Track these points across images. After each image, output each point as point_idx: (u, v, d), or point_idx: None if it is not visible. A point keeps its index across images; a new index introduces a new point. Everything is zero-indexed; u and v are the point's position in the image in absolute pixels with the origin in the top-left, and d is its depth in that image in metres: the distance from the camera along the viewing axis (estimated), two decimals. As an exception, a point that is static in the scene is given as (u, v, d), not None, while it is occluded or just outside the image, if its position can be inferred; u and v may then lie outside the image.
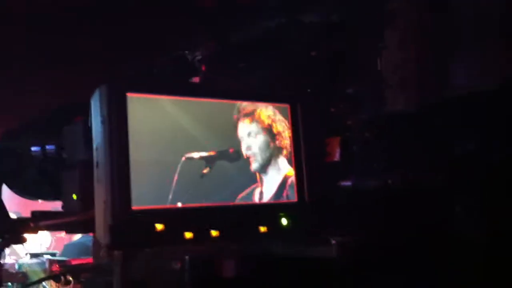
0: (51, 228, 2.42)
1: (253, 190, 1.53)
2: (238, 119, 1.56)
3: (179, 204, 1.44)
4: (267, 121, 1.58)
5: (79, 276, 5.64)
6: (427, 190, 1.54)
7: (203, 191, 1.49)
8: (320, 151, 1.71)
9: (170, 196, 1.43)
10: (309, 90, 1.71)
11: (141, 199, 1.41)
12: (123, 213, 1.38)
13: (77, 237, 6.03)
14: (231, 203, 1.49)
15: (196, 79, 2.08)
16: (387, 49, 1.56)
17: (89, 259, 5.58)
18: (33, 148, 2.58)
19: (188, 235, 1.42)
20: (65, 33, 2.81)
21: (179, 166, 1.45)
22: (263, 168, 1.56)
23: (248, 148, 1.55)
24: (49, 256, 6.15)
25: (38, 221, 2.29)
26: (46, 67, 3.22)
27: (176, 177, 1.45)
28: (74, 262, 6.05)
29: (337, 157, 1.68)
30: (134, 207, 1.39)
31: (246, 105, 1.58)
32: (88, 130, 1.77)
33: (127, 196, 1.40)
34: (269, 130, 1.58)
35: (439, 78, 1.50)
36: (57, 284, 6.19)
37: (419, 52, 1.52)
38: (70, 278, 6.23)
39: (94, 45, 2.60)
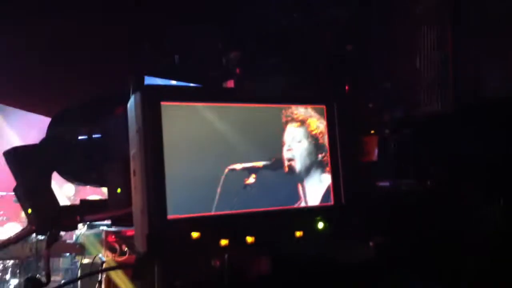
0: (97, 220, 2.52)
1: (294, 198, 1.53)
2: (285, 124, 1.54)
3: (213, 212, 1.45)
4: (314, 125, 1.56)
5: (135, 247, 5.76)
6: (463, 192, 1.51)
7: (245, 201, 1.49)
8: (357, 151, 1.69)
9: (213, 207, 1.44)
10: (344, 88, 1.68)
11: (177, 208, 1.43)
12: (159, 222, 1.41)
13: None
14: (265, 209, 1.50)
15: (229, 83, 2.07)
16: (424, 47, 1.51)
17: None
18: (80, 137, 2.65)
19: (224, 242, 1.43)
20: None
21: (222, 177, 1.46)
22: (305, 175, 1.54)
23: (293, 153, 1.53)
24: (105, 227, 6.38)
25: (84, 213, 2.37)
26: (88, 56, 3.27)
27: (219, 189, 1.45)
28: (129, 233, 6.26)
29: (375, 156, 1.66)
30: (170, 216, 1.42)
31: (293, 109, 1.56)
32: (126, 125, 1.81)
33: (163, 206, 1.42)
34: (315, 135, 1.56)
35: (474, 79, 1.44)
36: (113, 254, 6.41)
37: (455, 51, 1.47)
38: (126, 249, 6.43)
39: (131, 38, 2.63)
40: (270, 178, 1.53)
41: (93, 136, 2.52)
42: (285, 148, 1.55)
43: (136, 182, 1.49)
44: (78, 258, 6.53)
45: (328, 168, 1.59)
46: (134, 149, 1.51)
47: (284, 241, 1.52)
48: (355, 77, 1.71)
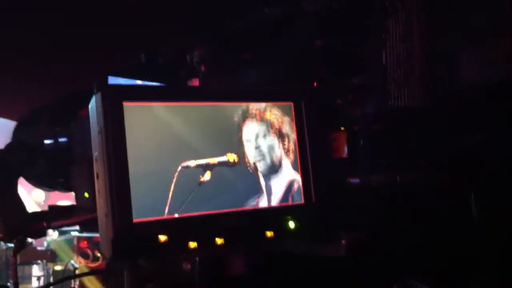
0: (66, 226, 2.45)
1: (257, 196, 1.50)
2: (243, 121, 1.51)
3: (176, 215, 1.42)
4: (276, 122, 1.53)
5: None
6: (436, 187, 1.50)
7: (203, 200, 1.46)
8: (326, 148, 1.67)
9: (167, 207, 1.40)
10: (312, 84, 1.65)
11: (141, 212, 1.39)
12: (124, 226, 1.37)
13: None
14: (234, 209, 1.46)
15: (195, 82, 2.03)
16: (390, 40, 1.49)
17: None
18: (45, 141, 2.58)
19: (193, 244, 1.40)
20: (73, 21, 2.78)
21: (175, 175, 1.42)
22: (268, 172, 1.52)
23: (254, 151, 1.50)
24: (76, 233, 6.28)
25: (52, 219, 2.31)
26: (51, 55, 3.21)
27: (172, 188, 1.42)
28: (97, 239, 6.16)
29: (344, 153, 1.64)
30: (136, 219, 1.38)
31: (253, 105, 1.53)
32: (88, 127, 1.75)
33: (128, 209, 1.38)
34: (278, 131, 1.53)
35: (446, 70, 1.43)
36: (86, 260, 6.30)
37: (424, 44, 1.45)
38: (98, 255, 6.35)
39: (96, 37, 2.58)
40: (228, 176, 1.50)
41: (59, 139, 2.45)
42: (247, 146, 1.52)
43: (99, 186, 1.44)
44: (49, 265, 6.42)
45: (292, 165, 1.56)
46: (96, 152, 1.46)
47: (255, 241, 1.49)
48: (323, 72, 1.68)
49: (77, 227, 4.58)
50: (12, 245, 3.54)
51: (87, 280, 5.37)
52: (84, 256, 5.83)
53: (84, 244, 6.08)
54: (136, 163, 1.40)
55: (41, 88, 3.43)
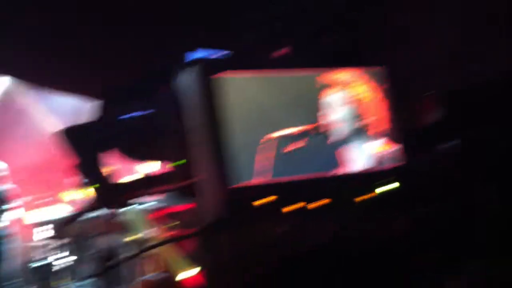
0: (155, 194, 2.58)
1: (343, 163, 1.55)
2: (327, 89, 1.55)
3: (275, 180, 1.48)
4: (361, 88, 1.57)
5: (180, 222, 5.93)
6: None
7: (297, 166, 1.52)
8: (414, 112, 1.68)
9: (266, 173, 1.47)
10: (395, 51, 1.66)
11: (238, 177, 1.47)
12: (223, 191, 1.45)
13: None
14: (327, 175, 1.52)
15: (279, 52, 2.07)
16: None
17: (188, 205, 5.85)
18: (131, 113, 2.69)
19: (287, 208, 1.46)
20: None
21: (271, 144, 1.48)
22: (354, 139, 1.56)
23: (339, 118, 1.55)
24: (150, 204, 6.48)
25: (142, 187, 2.43)
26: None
27: (268, 155, 1.48)
28: (178, 209, 6.35)
29: (430, 118, 1.65)
30: (233, 185, 1.45)
31: (338, 73, 1.56)
32: (177, 100, 1.82)
33: (226, 175, 1.46)
34: (359, 100, 1.57)
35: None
36: (163, 229, 6.52)
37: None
38: (174, 224, 6.55)
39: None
40: (317, 143, 1.55)
41: (145, 112, 2.56)
42: (332, 114, 1.56)
43: (197, 154, 1.52)
44: (127, 235, 6.65)
45: (380, 131, 1.59)
46: (192, 123, 1.54)
47: (346, 205, 1.53)
48: (406, 40, 1.69)
49: (157, 198, 4.74)
50: (92, 216, 3.67)
51: (164, 249, 5.57)
52: (161, 225, 6.02)
53: (160, 214, 6.27)
54: (232, 132, 1.47)
55: (118, 68, 3.55)
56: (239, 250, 1.68)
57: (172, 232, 6.00)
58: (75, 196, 7.02)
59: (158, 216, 6.22)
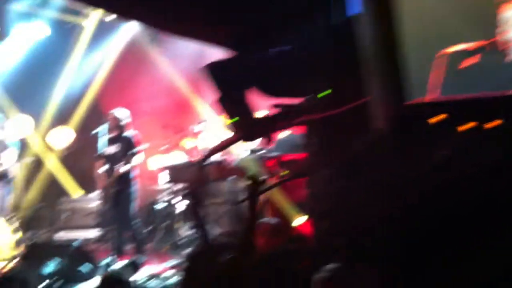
0: (297, 124, 2.62)
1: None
2: (507, 3, 1.50)
3: (448, 97, 1.46)
4: None
5: (292, 170, 6.01)
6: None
7: (470, 84, 1.49)
8: None
9: (438, 90, 1.45)
10: None
11: (411, 94, 1.46)
12: (396, 107, 1.45)
13: (287, 133, 6.41)
14: (504, 94, 1.48)
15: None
16: None
17: (299, 154, 5.95)
18: (274, 50, 2.72)
19: (463, 126, 1.44)
20: None
21: (445, 59, 1.46)
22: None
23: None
24: (264, 152, 6.64)
25: (285, 118, 2.48)
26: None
27: (441, 71, 1.46)
28: (286, 158, 6.48)
29: None
30: (407, 101, 1.45)
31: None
32: (330, 28, 1.82)
33: (399, 92, 1.46)
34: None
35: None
36: (273, 177, 6.66)
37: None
38: (284, 172, 6.68)
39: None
40: (492, 60, 1.50)
41: (286, 49, 2.60)
42: (509, 31, 1.51)
43: (370, 71, 1.53)
44: (239, 181, 6.84)
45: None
46: (365, 41, 1.55)
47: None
48: None
49: (267, 148, 4.79)
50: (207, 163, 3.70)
51: (275, 194, 5.71)
52: (272, 174, 6.14)
53: (271, 163, 6.39)
54: (406, 45, 1.46)
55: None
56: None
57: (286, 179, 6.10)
58: (196, 144, 7.30)
59: (273, 164, 6.34)
